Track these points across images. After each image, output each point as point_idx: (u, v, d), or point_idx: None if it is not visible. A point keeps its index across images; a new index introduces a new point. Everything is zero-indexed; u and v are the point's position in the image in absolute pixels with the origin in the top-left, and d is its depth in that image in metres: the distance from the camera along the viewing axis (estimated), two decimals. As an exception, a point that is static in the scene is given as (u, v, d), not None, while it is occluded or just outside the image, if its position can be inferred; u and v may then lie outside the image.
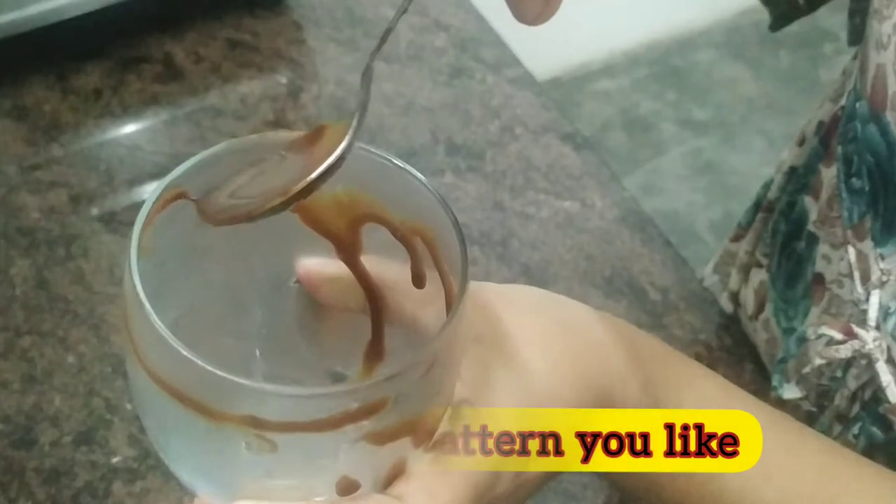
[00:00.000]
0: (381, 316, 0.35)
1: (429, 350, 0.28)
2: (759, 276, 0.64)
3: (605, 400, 0.35)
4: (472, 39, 0.77)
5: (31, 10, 0.66)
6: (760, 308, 0.62)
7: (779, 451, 0.36)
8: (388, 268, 0.33)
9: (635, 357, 0.36)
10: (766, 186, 0.65)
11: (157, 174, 0.66)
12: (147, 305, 0.26)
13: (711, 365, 0.58)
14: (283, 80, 0.73)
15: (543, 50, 1.42)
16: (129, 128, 0.69)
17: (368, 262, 0.34)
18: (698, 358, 0.38)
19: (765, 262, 0.63)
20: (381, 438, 0.28)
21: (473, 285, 0.34)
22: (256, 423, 0.26)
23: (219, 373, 0.25)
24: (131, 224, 0.29)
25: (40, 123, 0.68)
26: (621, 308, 0.62)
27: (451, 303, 0.30)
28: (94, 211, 0.64)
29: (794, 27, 0.60)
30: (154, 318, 0.26)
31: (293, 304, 0.36)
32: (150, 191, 0.30)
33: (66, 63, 0.72)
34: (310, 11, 0.78)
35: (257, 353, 0.36)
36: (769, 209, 0.64)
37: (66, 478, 0.52)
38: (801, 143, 0.61)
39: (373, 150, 0.31)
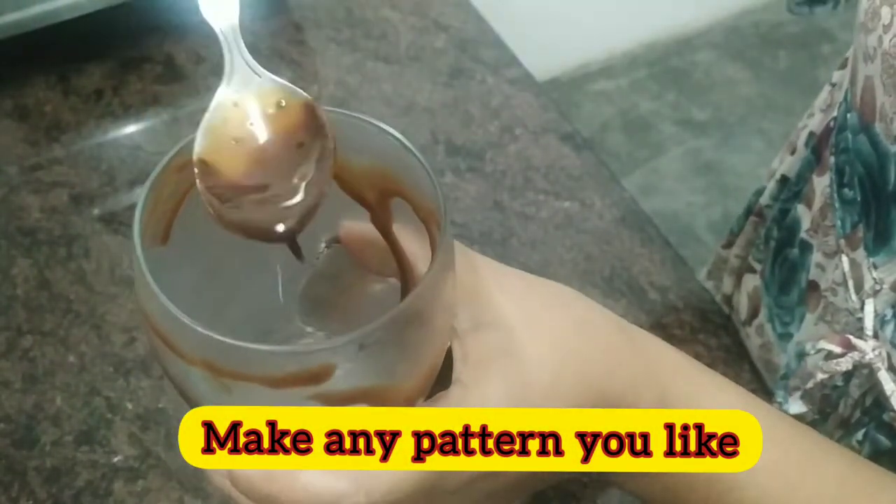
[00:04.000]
0: (410, 285, 0.35)
1: (364, 331, 0.28)
2: (752, 281, 0.64)
3: (611, 407, 0.35)
4: (472, 40, 0.77)
5: (33, 11, 0.66)
6: (754, 313, 0.62)
7: (801, 465, 0.36)
8: (418, 242, 0.34)
9: (652, 370, 0.36)
10: (758, 193, 0.65)
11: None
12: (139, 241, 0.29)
13: (711, 364, 0.57)
14: (284, 80, 0.73)
15: (543, 50, 1.43)
16: (130, 128, 0.69)
17: (401, 234, 0.35)
18: (697, 357, 0.38)
19: (758, 267, 0.63)
20: (330, 400, 0.29)
21: (500, 268, 0.35)
22: (210, 367, 0.28)
23: (183, 319, 0.27)
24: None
25: (41, 124, 0.69)
26: (620, 308, 0.62)
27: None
28: (96, 211, 0.64)
29: (793, 28, 0.59)
30: (143, 261, 0.28)
31: (322, 267, 0.37)
32: None
33: (68, 64, 0.72)
34: (310, 12, 0.78)
35: (278, 312, 0.37)
36: (760, 215, 0.64)
37: (67, 477, 0.52)
38: (793, 152, 0.61)
39: (388, 129, 0.32)
